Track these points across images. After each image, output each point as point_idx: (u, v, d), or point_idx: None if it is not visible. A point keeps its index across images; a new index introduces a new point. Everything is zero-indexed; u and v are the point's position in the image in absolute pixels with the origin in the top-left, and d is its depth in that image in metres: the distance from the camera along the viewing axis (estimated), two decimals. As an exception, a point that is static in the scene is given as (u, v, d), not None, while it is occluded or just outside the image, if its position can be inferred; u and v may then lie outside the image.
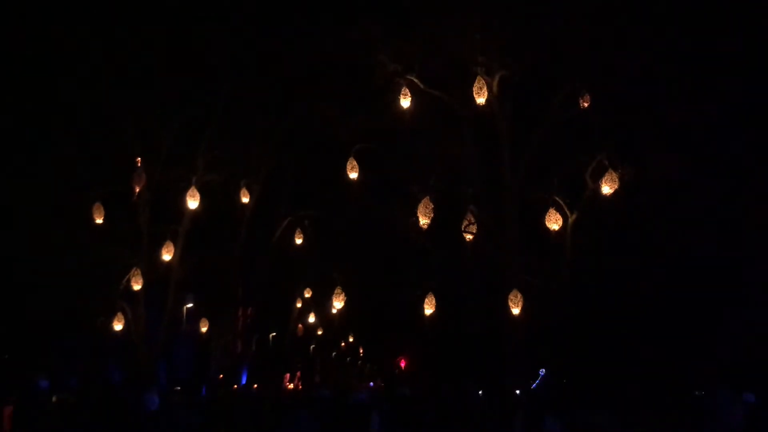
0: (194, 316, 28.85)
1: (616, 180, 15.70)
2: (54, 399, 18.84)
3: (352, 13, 18.78)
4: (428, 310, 16.80)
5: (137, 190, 18.99)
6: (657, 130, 17.80)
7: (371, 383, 45.10)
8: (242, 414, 19.40)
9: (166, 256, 19.60)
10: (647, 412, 19.03)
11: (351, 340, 47.09)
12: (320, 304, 27.14)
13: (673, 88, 17.57)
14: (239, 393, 23.91)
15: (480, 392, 18.04)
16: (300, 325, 29.29)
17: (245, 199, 21.96)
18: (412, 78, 17.01)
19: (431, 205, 15.25)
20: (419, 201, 15.44)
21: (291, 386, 34.11)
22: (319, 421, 15.80)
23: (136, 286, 19.17)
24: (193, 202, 19.23)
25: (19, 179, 20.48)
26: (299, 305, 27.67)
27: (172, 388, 22.78)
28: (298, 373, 36.80)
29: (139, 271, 19.14)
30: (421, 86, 17.33)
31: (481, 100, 15.71)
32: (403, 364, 44.09)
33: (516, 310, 15.74)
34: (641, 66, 17.01)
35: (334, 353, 46.52)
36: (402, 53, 17.41)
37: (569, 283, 17.69)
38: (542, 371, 21.03)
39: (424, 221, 15.33)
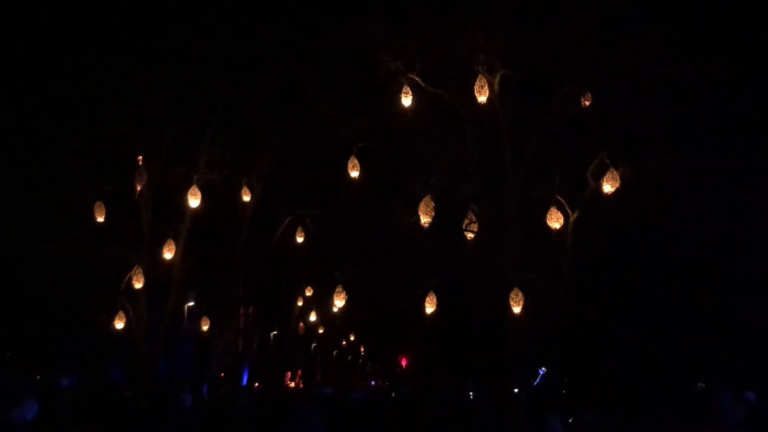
0: (195, 315, 28.89)
1: (618, 178, 15.69)
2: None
3: (353, 11, 18.77)
4: (429, 309, 16.79)
5: (138, 188, 19.01)
6: (658, 128, 17.79)
7: (372, 382, 45.12)
8: (244, 412, 19.40)
9: (168, 254, 19.61)
10: (649, 410, 19.04)
11: (352, 338, 47.16)
12: (321, 302, 27.15)
13: (674, 86, 17.55)
14: (241, 391, 23.92)
15: (471, 393, 17.96)
16: (301, 324, 29.31)
17: (246, 198, 21.96)
18: (414, 76, 17.03)
19: (432, 204, 15.26)
20: (420, 200, 15.45)
21: (292, 385, 34.13)
22: (325, 421, 15.82)
23: (138, 285, 19.18)
24: (194, 201, 19.25)
25: (20, 178, 20.49)
26: (300, 304, 27.68)
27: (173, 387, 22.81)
28: (300, 372, 36.81)
29: (140, 270, 19.15)
30: (423, 85, 17.34)
31: (482, 98, 15.72)
32: (404, 363, 44.14)
33: (517, 309, 15.73)
34: (643, 64, 17.00)
35: (335, 352, 46.56)
36: (403, 52, 17.40)
37: (570, 281, 17.68)
38: (542, 370, 21.03)
39: (425, 220, 15.34)
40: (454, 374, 25.01)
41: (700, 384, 17.38)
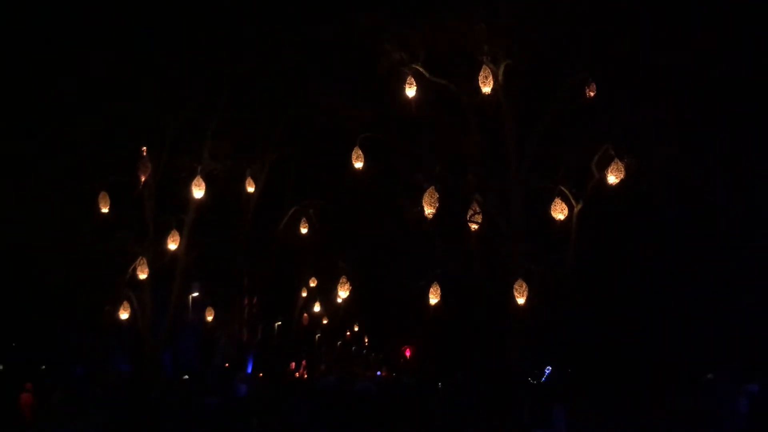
0: (200, 306, 28.97)
1: (622, 170, 15.63)
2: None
3: (356, 2, 18.69)
4: (433, 300, 16.78)
5: (143, 179, 18.99)
6: (663, 119, 17.70)
7: (379, 372, 45.22)
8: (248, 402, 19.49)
9: (172, 245, 19.64)
10: (652, 402, 19.05)
11: (356, 329, 47.29)
12: (325, 293, 27.20)
13: (678, 78, 17.46)
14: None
15: (440, 384, 17.89)
16: (305, 314, 29.40)
17: (250, 189, 21.97)
18: (418, 67, 16.98)
19: (436, 195, 15.20)
20: (424, 190, 15.41)
21: (297, 375, 34.26)
22: (324, 410, 15.93)
23: (142, 275, 19.21)
24: (198, 192, 19.23)
25: (26, 170, 20.51)
26: (304, 294, 27.75)
27: (178, 377, 22.91)
28: (304, 362, 36.95)
29: (144, 260, 19.18)
30: (427, 75, 17.29)
31: (486, 89, 15.65)
32: (408, 354, 44.24)
33: (521, 300, 15.73)
34: (647, 55, 16.92)
35: (339, 342, 46.73)
36: (407, 42, 17.35)
37: (574, 272, 17.66)
38: (548, 369, 21.02)
39: (429, 211, 15.29)
40: (451, 367, 24.97)
41: (709, 375, 17.37)
